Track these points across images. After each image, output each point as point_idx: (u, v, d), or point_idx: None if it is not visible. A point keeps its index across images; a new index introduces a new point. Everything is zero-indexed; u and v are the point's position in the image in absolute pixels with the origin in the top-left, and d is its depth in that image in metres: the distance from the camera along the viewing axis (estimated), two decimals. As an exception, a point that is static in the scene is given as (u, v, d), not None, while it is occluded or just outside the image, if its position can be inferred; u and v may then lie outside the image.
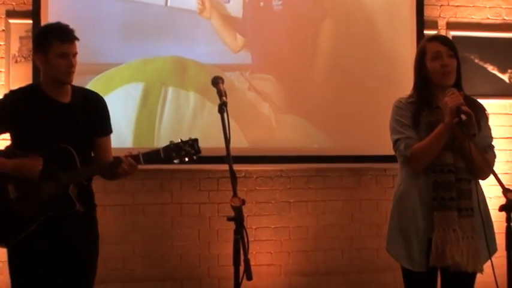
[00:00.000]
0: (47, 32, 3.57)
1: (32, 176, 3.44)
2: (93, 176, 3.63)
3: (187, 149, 3.53)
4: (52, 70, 3.52)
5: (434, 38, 3.70)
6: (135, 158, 3.51)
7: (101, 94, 3.82)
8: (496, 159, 3.69)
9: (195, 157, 3.56)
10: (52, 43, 3.48)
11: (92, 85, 4.98)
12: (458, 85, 3.59)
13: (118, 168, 3.50)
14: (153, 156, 3.54)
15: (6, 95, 3.73)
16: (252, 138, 5.30)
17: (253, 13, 5.40)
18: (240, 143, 5.17)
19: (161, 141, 5.05)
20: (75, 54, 3.53)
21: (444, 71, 3.55)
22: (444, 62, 3.55)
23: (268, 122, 5.36)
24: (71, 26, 3.56)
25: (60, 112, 3.55)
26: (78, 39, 3.55)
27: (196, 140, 3.55)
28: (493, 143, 3.69)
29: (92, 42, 5.05)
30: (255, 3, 5.39)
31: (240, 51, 5.35)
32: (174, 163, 3.56)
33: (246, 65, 5.36)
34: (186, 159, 3.54)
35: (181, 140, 3.55)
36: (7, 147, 3.64)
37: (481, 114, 3.63)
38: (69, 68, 3.50)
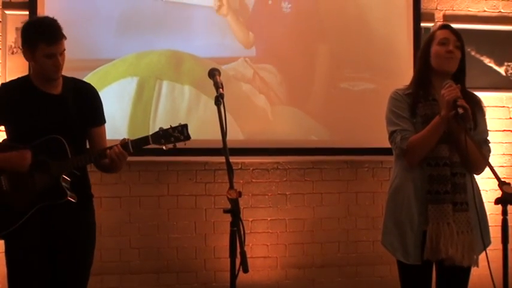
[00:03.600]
0: (34, 31, 3.48)
1: (21, 169, 3.44)
2: (85, 166, 3.61)
3: (176, 135, 3.51)
4: (39, 68, 3.50)
5: (445, 26, 3.69)
6: (124, 145, 3.50)
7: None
8: (491, 153, 3.68)
9: (185, 143, 3.54)
10: (38, 44, 3.42)
11: (86, 81, 4.95)
12: (461, 80, 3.58)
13: (107, 157, 3.49)
14: (141, 143, 3.53)
15: None
16: (248, 131, 5.30)
17: (261, 9, 5.39)
18: (235, 135, 5.17)
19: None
20: (62, 52, 3.48)
21: (448, 57, 3.54)
22: (450, 48, 3.54)
23: (264, 114, 5.36)
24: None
25: (51, 104, 3.54)
26: (65, 37, 3.49)
27: (185, 126, 3.53)
28: (488, 138, 3.69)
29: (87, 37, 5.07)
30: (263, 0, 5.39)
31: (252, 47, 5.36)
32: (164, 149, 3.54)
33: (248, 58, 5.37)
34: (176, 144, 3.52)
35: (170, 126, 3.54)
36: (4, 140, 3.63)
37: (477, 109, 3.62)
38: (57, 67, 3.47)
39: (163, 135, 3.50)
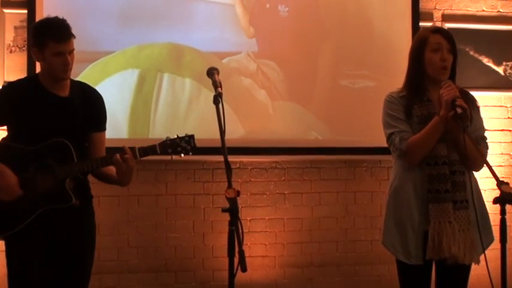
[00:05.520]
0: (43, 29, 3.50)
1: (7, 197, 3.43)
2: (90, 170, 3.60)
3: (183, 145, 3.52)
4: (48, 67, 3.50)
5: (437, 31, 3.67)
6: (132, 151, 3.50)
7: (96, 81, 3.83)
8: (490, 152, 3.70)
9: (191, 153, 3.55)
10: (48, 42, 3.44)
11: (87, 72, 4.99)
12: (451, 79, 3.58)
13: (113, 162, 3.48)
14: (148, 151, 3.52)
15: (3, 87, 3.70)
16: (248, 125, 5.31)
17: (260, 12, 5.40)
18: (237, 130, 5.20)
19: (156, 128, 5.08)
20: (71, 51, 3.49)
21: (442, 66, 3.54)
22: (444, 56, 3.54)
23: (264, 109, 5.37)
24: (67, 17, 3.53)
25: (58, 106, 3.54)
26: (74, 36, 3.50)
27: (192, 136, 3.54)
28: (485, 135, 3.69)
29: (88, 30, 5.05)
30: (261, 3, 5.40)
31: (253, 37, 5.38)
32: (171, 158, 3.55)
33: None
34: (182, 155, 3.53)
35: (177, 135, 3.54)
36: (3, 139, 3.62)
37: (472, 106, 3.62)
38: (66, 65, 3.47)
39: (170, 144, 3.51)
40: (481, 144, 3.59)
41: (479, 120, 3.68)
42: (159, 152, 3.51)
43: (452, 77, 3.61)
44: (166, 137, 3.54)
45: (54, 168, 3.45)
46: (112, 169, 3.53)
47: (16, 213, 3.46)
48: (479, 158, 3.44)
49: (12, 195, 3.43)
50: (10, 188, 3.42)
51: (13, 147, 3.50)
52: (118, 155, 3.46)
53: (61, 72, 3.50)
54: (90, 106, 3.62)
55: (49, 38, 3.44)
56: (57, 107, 3.53)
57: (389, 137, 3.61)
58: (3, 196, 3.43)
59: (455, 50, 3.61)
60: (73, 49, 3.51)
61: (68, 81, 3.60)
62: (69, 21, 3.53)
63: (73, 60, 3.52)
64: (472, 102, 3.66)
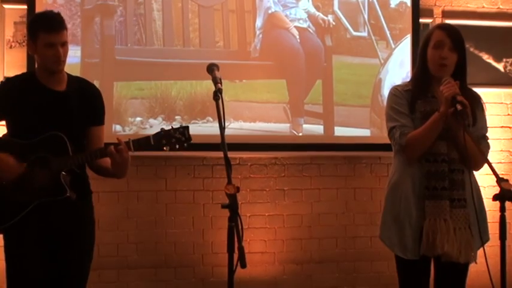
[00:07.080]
0: (35, 21, 3.56)
1: (4, 179, 3.46)
2: (85, 163, 3.61)
3: (177, 137, 3.50)
4: (41, 59, 3.52)
5: (443, 27, 3.66)
6: (125, 144, 3.49)
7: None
8: (490, 149, 3.68)
9: (185, 144, 3.53)
10: (39, 33, 3.46)
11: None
12: (461, 77, 3.56)
13: (107, 154, 3.48)
14: (142, 142, 3.52)
15: (1, 83, 3.71)
16: (246, 125, 5.32)
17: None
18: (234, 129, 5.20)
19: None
20: (63, 43, 3.48)
21: (441, 63, 3.53)
22: (443, 54, 3.53)
23: (262, 107, 5.37)
24: (64, 13, 3.54)
25: (55, 100, 3.54)
26: (66, 28, 3.51)
27: (187, 128, 3.53)
28: (487, 134, 3.68)
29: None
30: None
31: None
32: (164, 150, 3.53)
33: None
34: (177, 146, 3.52)
35: (172, 127, 3.53)
36: (4, 135, 3.63)
37: (476, 105, 3.62)
38: (57, 57, 3.47)
39: (164, 135, 3.50)
40: (482, 144, 3.58)
41: (483, 119, 3.67)
42: (153, 143, 3.49)
43: (461, 75, 3.58)
44: (161, 129, 3.53)
45: (50, 161, 3.45)
46: (108, 162, 3.53)
47: (12, 206, 3.47)
48: (479, 157, 3.44)
49: (13, 173, 3.45)
50: (11, 166, 3.44)
51: (10, 142, 3.51)
52: (112, 147, 3.46)
53: (53, 64, 3.49)
54: (87, 100, 3.62)
55: (40, 29, 3.46)
56: (53, 102, 3.54)
57: (390, 131, 3.62)
58: (6, 175, 3.45)
59: (461, 47, 3.59)
60: (66, 41, 3.51)
61: (65, 75, 3.61)
62: (68, 21, 3.54)
63: (66, 53, 3.52)
64: (477, 100, 3.65)
